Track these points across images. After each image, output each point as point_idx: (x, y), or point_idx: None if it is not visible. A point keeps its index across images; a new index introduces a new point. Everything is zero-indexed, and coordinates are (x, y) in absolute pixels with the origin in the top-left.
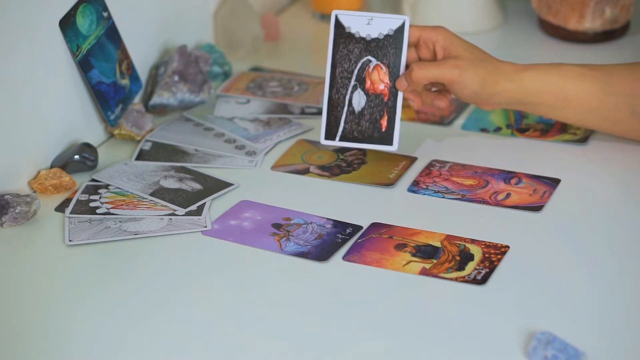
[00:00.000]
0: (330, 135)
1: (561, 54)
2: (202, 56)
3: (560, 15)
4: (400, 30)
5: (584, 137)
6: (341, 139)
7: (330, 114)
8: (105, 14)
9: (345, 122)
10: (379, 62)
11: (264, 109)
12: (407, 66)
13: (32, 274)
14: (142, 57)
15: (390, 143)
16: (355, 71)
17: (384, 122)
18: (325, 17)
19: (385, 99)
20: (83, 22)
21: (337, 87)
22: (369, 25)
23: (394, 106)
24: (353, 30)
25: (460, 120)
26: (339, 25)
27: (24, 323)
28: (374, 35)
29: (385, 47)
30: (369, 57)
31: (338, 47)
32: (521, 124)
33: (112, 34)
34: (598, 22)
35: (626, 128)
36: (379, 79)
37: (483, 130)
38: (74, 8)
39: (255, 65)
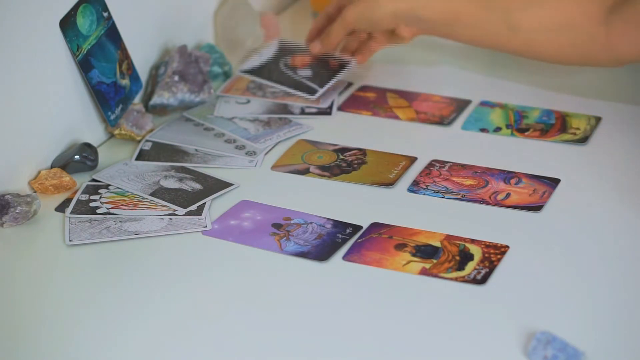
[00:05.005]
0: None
1: None
2: (202, 56)
3: None
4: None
5: (583, 137)
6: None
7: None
8: (105, 14)
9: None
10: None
11: (264, 109)
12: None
13: (32, 274)
14: (142, 57)
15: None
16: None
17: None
18: None
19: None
20: (83, 22)
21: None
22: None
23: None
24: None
25: (460, 120)
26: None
27: (23, 323)
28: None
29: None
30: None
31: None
32: (521, 124)
33: (112, 34)
34: None
35: (504, 42)
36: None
37: (483, 130)
38: (74, 8)
39: None
